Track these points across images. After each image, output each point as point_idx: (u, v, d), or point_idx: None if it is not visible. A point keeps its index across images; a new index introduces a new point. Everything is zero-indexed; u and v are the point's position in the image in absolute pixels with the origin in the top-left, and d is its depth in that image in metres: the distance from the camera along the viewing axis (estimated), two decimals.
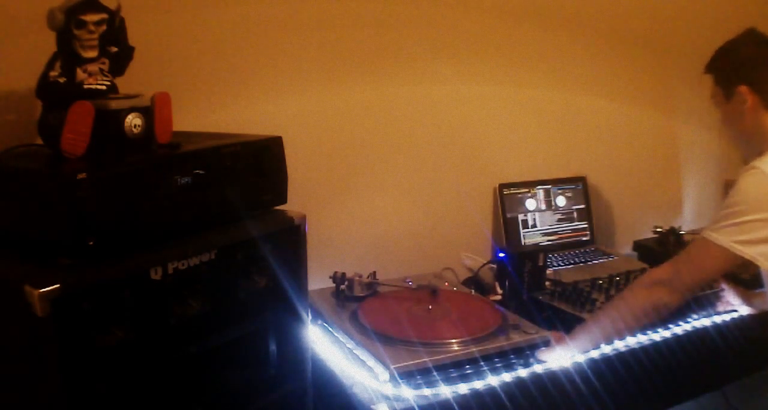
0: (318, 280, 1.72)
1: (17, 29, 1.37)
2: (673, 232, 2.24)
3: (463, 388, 1.36)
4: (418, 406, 1.30)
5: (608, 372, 1.50)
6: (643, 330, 1.59)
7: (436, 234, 2.09)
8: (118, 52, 1.21)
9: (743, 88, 1.46)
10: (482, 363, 1.41)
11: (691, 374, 1.69)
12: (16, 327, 1.01)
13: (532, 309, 1.71)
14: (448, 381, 1.37)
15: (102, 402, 1.04)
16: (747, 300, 1.75)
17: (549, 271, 1.89)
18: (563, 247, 2.22)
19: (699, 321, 1.72)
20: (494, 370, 1.41)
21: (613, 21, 2.30)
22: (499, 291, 1.87)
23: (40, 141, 1.18)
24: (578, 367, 1.47)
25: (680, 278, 1.43)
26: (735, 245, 1.35)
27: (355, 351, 1.48)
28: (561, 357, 1.46)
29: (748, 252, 1.34)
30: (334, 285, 1.73)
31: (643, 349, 1.59)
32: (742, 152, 1.57)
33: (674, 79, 2.37)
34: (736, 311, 1.75)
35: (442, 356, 1.38)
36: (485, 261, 1.99)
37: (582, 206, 2.27)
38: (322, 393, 1.45)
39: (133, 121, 1.15)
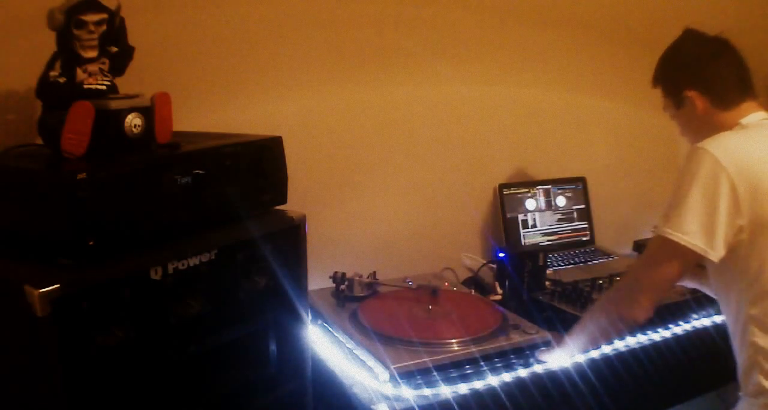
0: (318, 280, 1.72)
1: (17, 29, 1.37)
2: None
3: (463, 388, 1.36)
4: (418, 406, 1.30)
5: (608, 372, 1.50)
6: (641, 329, 1.59)
7: (436, 234, 2.09)
8: (118, 52, 1.21)
9: (691, 93, 1.40)
10: (482, 363, 1.41)
11: (691, 374, 1.69)
12: (16, 327, 1.01)
13: (532, 309, 1.71)
14: (448, 381, 1.37)
15: (102, 402, 1.04)
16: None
17: (549, 271, 1.89)
18: (563, 247, 2.22)
19: (699, 321, 1.72)
20: (494, 370, 1.41)
21: (613, 21, 2.30)
22: (499, 291, 1.87)
23: (40, 141, 1.19)
24: (578, 367, 1.47)
25: (637, 286, 1.34)
26: (685, 236, 1.25)
27: (355, 351, 1.48)
28: (560, 357, 1.46)
29: (698, 243, 1.24)
30: (334, 285, 1.73)
31: (643, 349, 1.59)
32: None
33: None
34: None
35: (442, 356, 1.38)
36: (485, 261, 1.99)
37: (582, 206, 2.27)
38: (322, 393, 1.45)
39: (133, 121, 1.15)
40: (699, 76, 1.41)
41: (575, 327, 1.50)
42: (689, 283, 1.66)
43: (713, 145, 1.29)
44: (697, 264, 1.34)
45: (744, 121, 1.39)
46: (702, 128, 1.41)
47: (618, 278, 1.87)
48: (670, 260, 1.29)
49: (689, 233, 1.25)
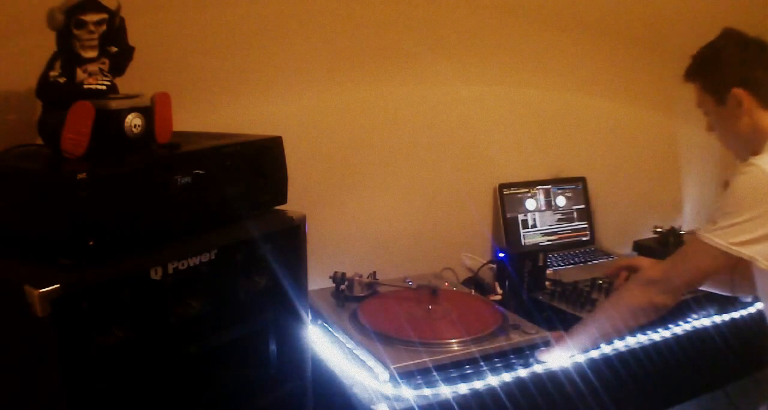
0: (318, 280, 1.72)
1: (17, 29, 1.37)
2: (673, 232, 2.24)
3: (463, 388, 1.36)
4: (418, 406, 1.30)
5: (608, 372, 1.50)
6: (641, 329, 1.59)
7: (436, 234, 2.09)
8: (118, 52, 1.21)
9: (738, 91, 1.41)
10: (482, 363, 1.41)
11: (691, 374, 1.69)
12: (16, 327, 1.01)
13: (532, 309, 1.71)
14: (448, 381, 1.37)
15: (102, 402, 1.04)
16: None
17: (549, 271, 1.89)
18: (563, 247, 2.22)
19: (699, 321, 1.72)
20: (494, 370, 1.41)
21: (613, 21, 2.30)
22: (499, 291, 1.87)
23: (40, 141, 1.19)
24: (578, 367, 1.47)
25: (675, 279, 1.39)
26: (732, 247, 1.32)
27: (355, 351, 1.48)
28: (561, 357, 1.46)
29: (746, 252, 1.32)
30: (334, 285, 1.73)
31: (643, 349, 1.59)
32: (737, 155, 1.51)
33: (674, 78, 2.36)
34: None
35: (442, 356, 1.38)
36: (485, 261, 1.99)
37: (582, 206, 2.27)
38: (322, 393, 1.45)
39: (133, 121, 1.15)
40: (748, 76, 1.42)
41: (577, 328, 1.50)
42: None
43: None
44: None
45: None
46: (742, 126, 1.43)
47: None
48: (713, 261, 1.35)
49: (737, 244, 1.31)
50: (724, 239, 1.32)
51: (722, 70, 1.45)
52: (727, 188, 1.37)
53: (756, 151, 1.41)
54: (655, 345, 1.61)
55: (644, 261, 1.62)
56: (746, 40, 1.46)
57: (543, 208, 2.21)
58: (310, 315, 1.41)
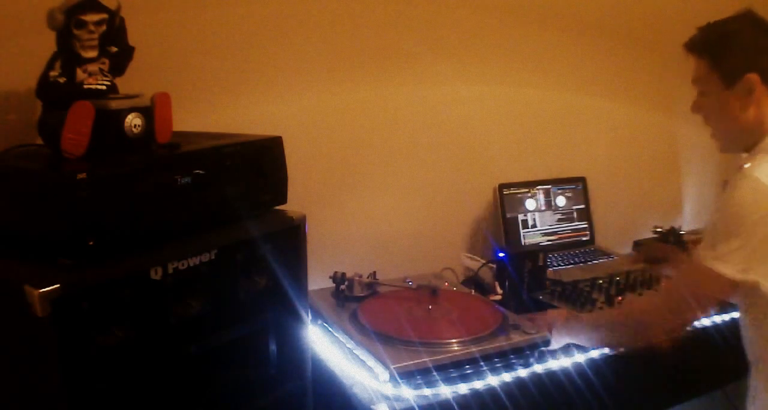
0: (318, 280, 1.72)
1: (17, 29, 1.37)
2: (673, 232, 2.24)
3: (463, 388, 1.36)
4: (418, 406, 1.30)
5: (608, 372, 1.50)
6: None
7: (436, 234, 2.09)
8: (118, 52, 1.21)
9: (753, 77, 1.32)
10: (482, 363, 1.41)
11: (691, 374, 1.69)
12: (16, 327, 1.01)
13: (532, 309, 1.71)
14: (448, 381, 1.37)
15: (102, 402, 1.04)
16: None
17: (549, 271, 1.89)
18: (563, 247, 2.22)
19: (699, 322, 1.71)
20: (494, 370, 1.41)
21: (613, 21, 2.30)
22: (499, 291, 1.87)
23: (40, 141, 1.19)
24: (578, 367, 1.48)
25: (688, 313, 1.31)
26: (738, 275, 1.23)
27: (355, 351, 1.48)
28: (558, 341, 1.48)
29: (752, 277, 1.23)
30: (334, 285, 1.73)
31: (643, 349, 1.59)
32: (725, 145, 1.44)
33: (674, 78, 2.37)
34: None
35: (442, 356, 1.38)
36: (485, 261, 1.99)
37: (582, 206, 2.27)
38: (322, 393, 1.45)
39: (133, 121, 1.15)
40: (765, 64, 1.34)
41: (587, 322, 1.49)
42: None
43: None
44: None
45: None
46: (745, 115, 1.35)
47: (618, 278, 1.88)
48: (722, 290, 1.28)
49: (742, 271, 1.24)
50: (732, 267, 1.24)
51: (738, 51, 1.35)
52: (725, 197, 1.29)
53: (748, 147, 1.36)
54: (654, 344, 1.61)
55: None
56: (766, 26, 1.37)
57: (543, 208, 2.20)
58: (310, 315, 1.41)
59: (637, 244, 2.31)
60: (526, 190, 2.18)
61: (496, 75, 2.11)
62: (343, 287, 1.72)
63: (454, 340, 1.43)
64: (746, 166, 1.29)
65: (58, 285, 0.95)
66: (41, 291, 0.93)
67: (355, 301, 1.67)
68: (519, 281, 1.78)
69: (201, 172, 1.17)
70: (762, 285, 1.24)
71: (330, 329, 1.61)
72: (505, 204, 2.14)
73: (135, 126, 1.15)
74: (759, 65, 1.33)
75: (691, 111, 1.44)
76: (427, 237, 2.08)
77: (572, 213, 2.25)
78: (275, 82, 1.76)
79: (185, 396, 1.19)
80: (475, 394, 1.36)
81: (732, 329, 1.72)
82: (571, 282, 1.84)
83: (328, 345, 1.55)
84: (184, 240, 1.16)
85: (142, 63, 1.26)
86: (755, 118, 1.34)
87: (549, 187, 2.22)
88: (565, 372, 1.45)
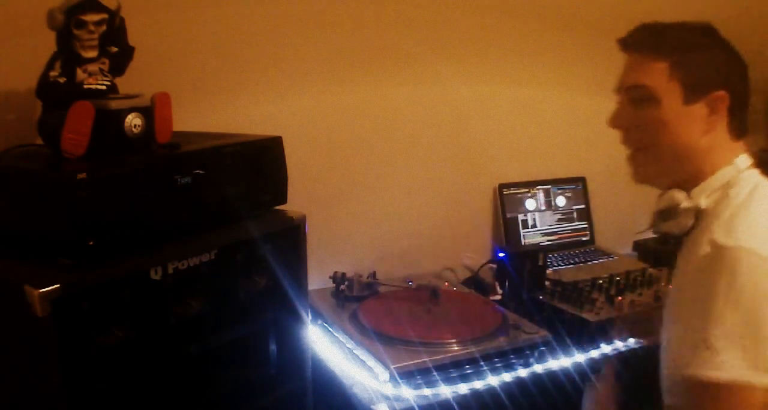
0: (318, 280, 1.72)
1: (17, 29, 1.37)
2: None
3: (463, 388, 1.36)
4: (418, 406, 1.30)
5: (608, 372, 1.50)
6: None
7: (436, 234, 2.09)
8: (118, 52, 1.21)
9: (722, 94, 1.10)
10: (482, 363, 1.41)
11: None
12: (16, 327, 1.01)
13: (532, 309, 1.71)
14: (448, 381, 1.37)
15: (102, 402, 1.04)
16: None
17: (549, 271, 1.89)
18: (563, 247, 2.22)
19: None
20: (494, 370, 1.41)
21: (613, 21, 2.29)
22: (499, 291, 1.87)
23: (40, 141, 1.19)
24: (578, 367, 1.47)
25: None
26: (756, 377, 0.95)
27: (355, 351, 1.48)
28: None
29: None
30: (334, 285, 1.73)
31: (644, 349, 1.59)
32: (655, 172, 1.20)
33: None
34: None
35: (442, 356, 1.38)
36: (485, 261, 1.99)
37: (582, 206, 2.27)
38: (322, 393, 1.45)
39: (133, 121, 1.15)
40: (737, 85, 1.13)
41: None
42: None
43: (754, 238, 0.99)
44: None
45: (740, 161, 1.14)
46: (697, 141, 1.12)
47: (618, 278, 1.87)
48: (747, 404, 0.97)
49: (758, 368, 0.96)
50: (741, 369, 0.95)
51: (709, 61, 1.12)
52: (706, 271, 0.99)
53: (678, 183, 1.16)
54: (655, 344, 1.61)
55: None
56: (730, 45, 1.16)
57: (543, 208, 2.21)
58: (310, 315, 1.41)
59: (637, 244, 2.30)
60: (526, 190, 2.18)
61: (496, 75, 2.11)
62: (343, 287, 1.72)
63: (454, 340, 1.43)
64: (716, 236, 1.01)
65: (58, 285, 0.95)
66: (41, 291, 0.93)
67: (355, 301, 1.67)
68: (519, 281, 1.78)
69: (201, 172, 1.17)
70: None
71: (330, 329, 1.61)
72: (505, 204, 2.14)
73: (135, 126, 1.15)
74: (734, 86, 1.12)
75: (607, 124, 1.23)
76: (427, 237, 2.08)
77: (572, 213, 2.25)
78: (275, 82, 1.76)
79: (185, 396, 1.19)
80: (475, 394, 1.36)
81: None
82: (571, 282, 1.84)
83: (328, 345, 1.55)
84: (184, 240, 1.16)
85: (142, 63, 1.26)
86: (707, 147, 1.12)
87: (549, 187, 2.22)
88: (565, 372, 1.45)
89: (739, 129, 1.14)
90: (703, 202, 1.12)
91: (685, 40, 1.15)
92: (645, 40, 1.19)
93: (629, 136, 1.20)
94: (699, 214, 1.13)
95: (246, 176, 1.27)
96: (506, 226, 2.14)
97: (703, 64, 1.12)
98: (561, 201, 2.24)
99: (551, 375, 1.44)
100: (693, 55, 1.13)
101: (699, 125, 1.12)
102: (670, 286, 1.20)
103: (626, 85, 1.19)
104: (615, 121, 1.21)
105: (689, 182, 1.15)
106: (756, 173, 1.15)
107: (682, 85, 1.11)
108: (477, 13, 2.03)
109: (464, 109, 2.08)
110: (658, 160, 1.17)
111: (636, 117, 1.16)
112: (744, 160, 1.14)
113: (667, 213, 1.17)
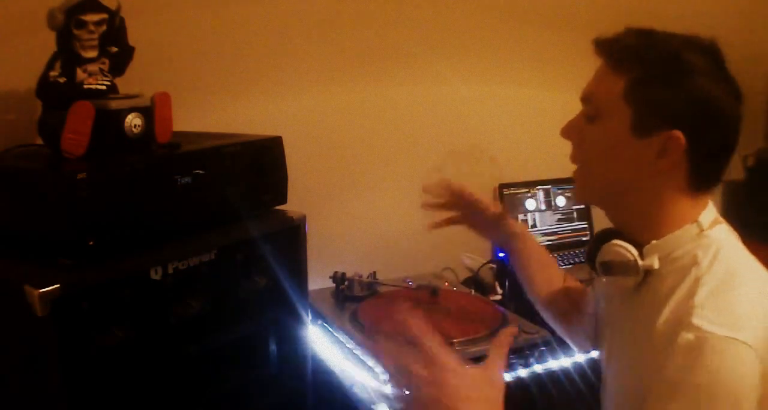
0: (318, 280, 1.72)
1: (17, 29, 1.37)
2: None
3: None
4: None
5: None
6: None
7: (436, 234, 2.08)
8: (118, 52, 1.21)
9: (676, 135, 0.88)
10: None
11: None
12: (16, 327, 1.01)
13: (532, 309, 1.71)
14: None
15: (102, 402, 1.04)
16: None
17: None
18: (563, 247, 2.22)
19: None
20: None
21: (613, 21, 2.29)
22: (499, 291, 1.87)
23: (40, 141, 1.19)
24: (578, 367, 1.47)
25: None
26: None
27: (355, 351, 1.48)
28: None
29: None
30: (334, 285, 1.73)
31: None
32: (602, 203, 1.05)
33: None
34: None
35: None
36: (485, 261, 1.99)
37: (582, 206, 2.27)
38: (322, 393, 1.45)
39: (133, 121, 1.15)
40: (708, 130, 0.90)
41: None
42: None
43: (745, 331, 0.80)
44: None
45: (703, 219, 0.93)
46: (632, 181, 0.94)
47: None
48: None
49: None
50: None
51: (672, 94, 0.90)
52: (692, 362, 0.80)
53: (630, 226, 1.00)
54: None
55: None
56: (724, 72, 0.92)
57: (543, 208, 2.21)
58: (310, 315, 1.41)
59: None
60: (526, 190, 2.18)
61: (496, 75, 2.11)
62: (343, 287, 1.72)
63: (454, 340, 1.43)
64: (695, 319, 0.82)
65: (58, 285, 0.95)
66: (41, 291, 0.93)
67: (355, 301, 1.67)
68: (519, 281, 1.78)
69: (201, 172, 1.18)
70: None
71: (330, 329, 1.61)
72: (505, 204, 2.14)
73: (135, 126, 1.15)
74: (693, 126, 0.88)
75: (560, 133, 1.08)
76: (427, 237, 2.06)
77: (572, 213, 2.25)
78: (275, 82, 1.76)
79: (185, 396, 1.19)
80: None
81: None
82: None
83: (328, 345, 1.55)
84: (184, 240, 1.16)
85: (142, 63, 1.26)
86: (656, 193, 0.93)
87: (549, 187, 2.22)
88: (565, 372, 1.45)
89: (700, 182, 0.92)
90: (656, 263, 0.93)
91: (659, 58, 0.94)
92: (613, 47, 1.00)
93: (574, 150, 1.05)
94: (649, 273, 0.94)
95: (246, 176, 1.27)
96: None
97: (668, 92, 0.90)
98: (561, 201, 2.24)
99: (551, 375, 1.44)
100: (660, 77, 0.91)
101: (644, 165, 0.91)
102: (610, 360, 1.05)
103: (582, 94, 1.03)
104: (563, 132, 1.06)
105: (637, 228, 0.97)
106: (725, 229, 0.95)
107: (634, 110, 0.91)
108: (477, 13, 2.03)
109: (464, 109, 2.08)
110: (592, 187, 1.03)
111: (583, 131, 1.01)
112: (707, 215, 0.93)
113: (611, 267, 0.98)
